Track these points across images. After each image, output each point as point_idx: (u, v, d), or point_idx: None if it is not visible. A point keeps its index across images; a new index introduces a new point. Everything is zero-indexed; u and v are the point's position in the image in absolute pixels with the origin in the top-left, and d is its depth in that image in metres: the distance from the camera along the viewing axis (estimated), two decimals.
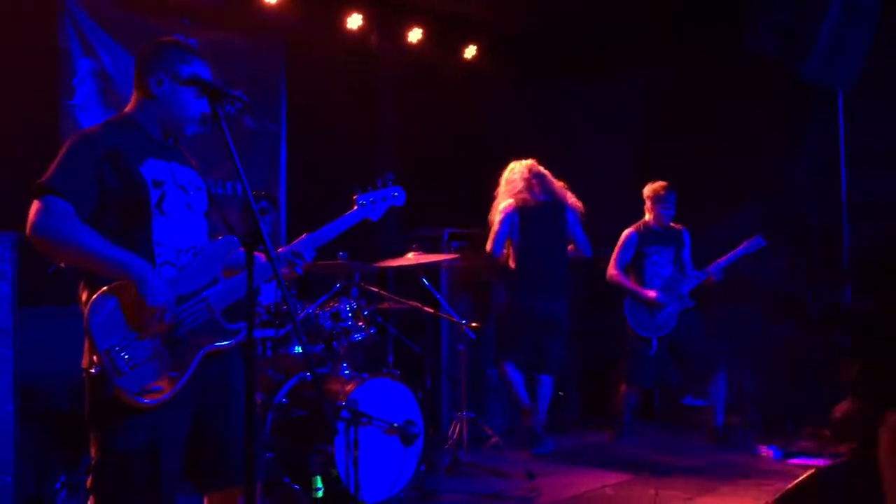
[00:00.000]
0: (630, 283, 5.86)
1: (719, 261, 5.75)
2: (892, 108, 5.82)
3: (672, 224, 5.93)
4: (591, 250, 5.81)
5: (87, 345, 2.41)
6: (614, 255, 5.93)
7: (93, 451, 2.48)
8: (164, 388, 2.43)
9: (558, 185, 5.77)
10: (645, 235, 5.90)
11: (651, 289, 5.81)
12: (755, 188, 6.35)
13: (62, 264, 3.93)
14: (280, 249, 2.82)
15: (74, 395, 3.86)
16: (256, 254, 2.36)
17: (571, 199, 5.76)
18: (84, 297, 2.47)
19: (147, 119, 2.63)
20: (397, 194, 3.14)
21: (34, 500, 4.10)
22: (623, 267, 5.92)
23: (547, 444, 5.60)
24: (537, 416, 5.64)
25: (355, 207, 3.04)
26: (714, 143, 6.41)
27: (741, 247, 5.72)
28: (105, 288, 2.40)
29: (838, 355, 5.39)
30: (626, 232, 5.95)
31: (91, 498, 2.49)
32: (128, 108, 2.67)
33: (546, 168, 5.78)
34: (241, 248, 2.34)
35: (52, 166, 2.43)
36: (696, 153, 6.41)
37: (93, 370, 2.37)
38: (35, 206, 2.39)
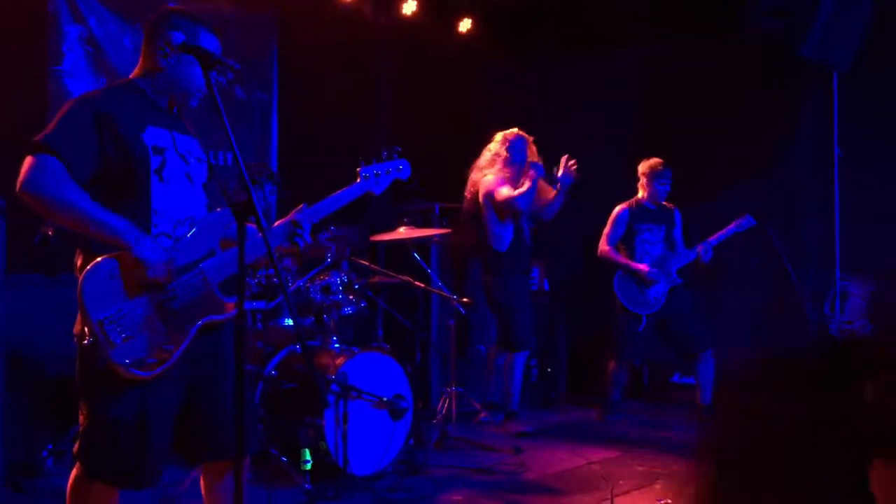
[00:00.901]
0: (621, 258, 5.80)
1: (710, 239, 5.71)
2: (886, 89, 5.82)
3: (664, 203, 5.88)
4: (523, 202, 5.36)
5: (79, 314, 2.37)
6: (606, 232, 5.86)
7: (81, 419, 2.46)
8: (158, 361, 2.40)
9: (477, 169, 5.63)
10: (637, 212, 5.84)
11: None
12: (748, 168, 6.34)
13: (50, 232, 3.89)
14: (277, 223, 2.77)
15: (61, 362, 3.84)
16: (251, 226, 2.33)
17: (484, 183, 5.50)
18: (79, 262, 2.44)
19: (152, 87, 2.58)
20: (402, 167, 3.05)
21: (21, 466, 4.08)
22: (614, 243, 5.86)
23: (525, 422, 5.57)
24: (512, 397, 5.62)
25: (358, 180, 2.94)
26: (710, 122, 6.39)
27: (731, 225, 5.69)
28: (101, 256, 2.36)
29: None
30: (617, 208, 5.88)
31: (77, 465, 2.48)
32: (133, 74, 2.62)
33: (538, 142, 5.70)
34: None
35: (51, 125, 2.38)
36: (692, 132, 6.38)
37: (85, 341, 2.34)
38: (28, 161, 2.34)
